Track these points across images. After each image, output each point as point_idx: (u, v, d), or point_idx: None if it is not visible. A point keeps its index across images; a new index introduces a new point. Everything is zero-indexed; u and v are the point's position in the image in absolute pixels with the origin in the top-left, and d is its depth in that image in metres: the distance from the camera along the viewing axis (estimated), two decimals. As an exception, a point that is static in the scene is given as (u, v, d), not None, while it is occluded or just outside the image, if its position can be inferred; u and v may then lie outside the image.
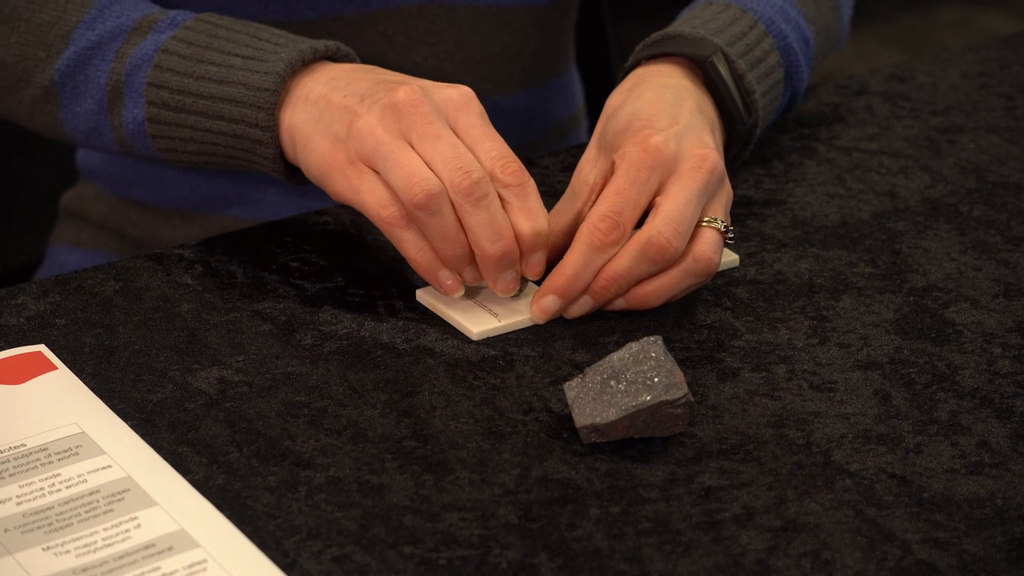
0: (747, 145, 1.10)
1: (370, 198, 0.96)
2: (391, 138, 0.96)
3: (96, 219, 1.29)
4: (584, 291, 0.97)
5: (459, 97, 0.98)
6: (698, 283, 0.98)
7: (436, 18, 1.22)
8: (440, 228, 0.95)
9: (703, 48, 1.06)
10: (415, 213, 0.94)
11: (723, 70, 1.06)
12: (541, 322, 0.98)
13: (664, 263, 0.96)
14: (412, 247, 0.96)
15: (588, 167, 1.02)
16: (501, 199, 0.96)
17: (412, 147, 0.96)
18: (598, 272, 0.97)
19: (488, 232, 0.94)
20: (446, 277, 0.97)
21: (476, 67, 1.24)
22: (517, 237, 0.96)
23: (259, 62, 1.03)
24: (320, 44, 1.04)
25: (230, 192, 1.24)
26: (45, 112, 1.12)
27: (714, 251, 0.97)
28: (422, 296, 1.00)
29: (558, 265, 0.97)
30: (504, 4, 1.24)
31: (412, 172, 0.94)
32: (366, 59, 1.18)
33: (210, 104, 1.04)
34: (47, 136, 1.16)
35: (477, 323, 0.97)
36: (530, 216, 0.96)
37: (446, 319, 0.98)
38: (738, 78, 1.07)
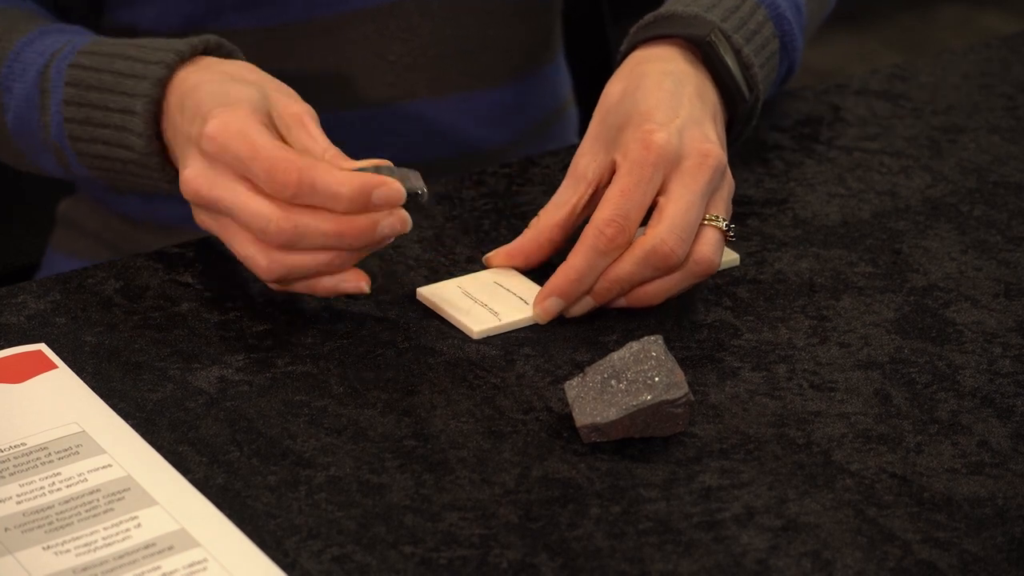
0: (750, 121, 1.09)
1: (250, 262, 0.95)
2: (215, 225, 0.96)
3: (92, 231, 1.29)
4: (587, 292, 0.97)
5: (209, 145, 0.94)
6: (699, 281, 0.98)
7: (409, 14, 1.21)
8: (318, 239, 0.93)
9: (699, 27, 1.05)
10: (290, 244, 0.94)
11: (722, 49, 1.05)
12: (543, 322, 0.98)
13: (667, 270, 0.96)
14: (305, 265, 0.95)
15: (585, 160, 1.01)
16: (304, 204, 0.93)
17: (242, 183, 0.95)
18: (601, 273, 0.97)
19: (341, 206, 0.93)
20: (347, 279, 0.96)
21: (453, 61, 1.23)
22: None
23: (129, 115, 1.02)
24: (162, 71, 1.02)
25: None
26: (28, 165, 1.14)
27: (714, 252, 0.97)
28: (422, 295, 1.00)
29: (561, 266, 0.97)
30: None
31: (244, 257, 0.94)
32: (341, 62, 1.17)
33: (123, 165, 1.05)
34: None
35: (478, 322, 0.97)
36: (336, 199, 0.92)
37: (446, 318, 0.98)
38: (736, 54, 1.06)
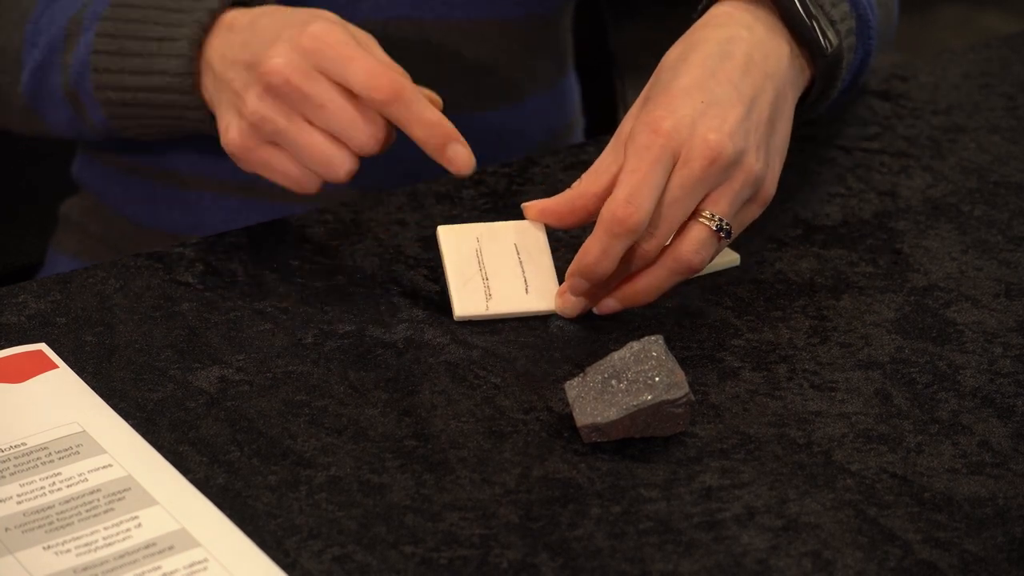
0: (833, 81, 1.04)
1: (285, 180, 1.03)
2: (286, 122, 1.01)
3: (94, 233, 1.29)
4: (608, 276, 0.95)
5: (311, 42, 1.01)
6: (685, 279, 0.97)
7: (404, 34, 1.20)
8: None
9: None
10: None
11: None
12: (576, 295, 0.97)
13: (629, 234, 0.93)
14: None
15: (630, 124, 0.98)
16: (390, 117, 1.00)
17: (308, 121, 1.01)
18: (623, 257, 0.94)
19: (426, 129, 1.00)
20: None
21: (451, 82, 1.22)
22: (423, 146, 1.00)
23: (170, 42, 1.07)
24: (215, 3, 1.07)
25: (228, 216, 1.24)
26: (35, 124, 1.17)
27: (695, 252, 0.95)
28: (440, 235, 0.99)
29: (582, 248, 0.95)
30: (475, 17, 1.22)
31: (325, 157, 1.01)
32: None
33: (147, 95, 1.09)
34: (52, 139, 1.20)
35: (463, 303, 0.97)
36: (420, 121, 0.99)
37: (445, 277, 0.98)
38: (816, 7, 1.02)
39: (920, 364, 0.95)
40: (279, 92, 1.00)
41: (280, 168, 1.03)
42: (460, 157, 1.00)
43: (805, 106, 1.05)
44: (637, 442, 0.88)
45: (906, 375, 0.94)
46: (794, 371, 0.94)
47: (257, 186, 1.22)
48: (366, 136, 1.00)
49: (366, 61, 0.99)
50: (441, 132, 1.00)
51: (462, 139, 1.00)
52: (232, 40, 1.05)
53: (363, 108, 1.00)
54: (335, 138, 1.01)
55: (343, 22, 1.03)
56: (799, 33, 1.02)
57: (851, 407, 0.91)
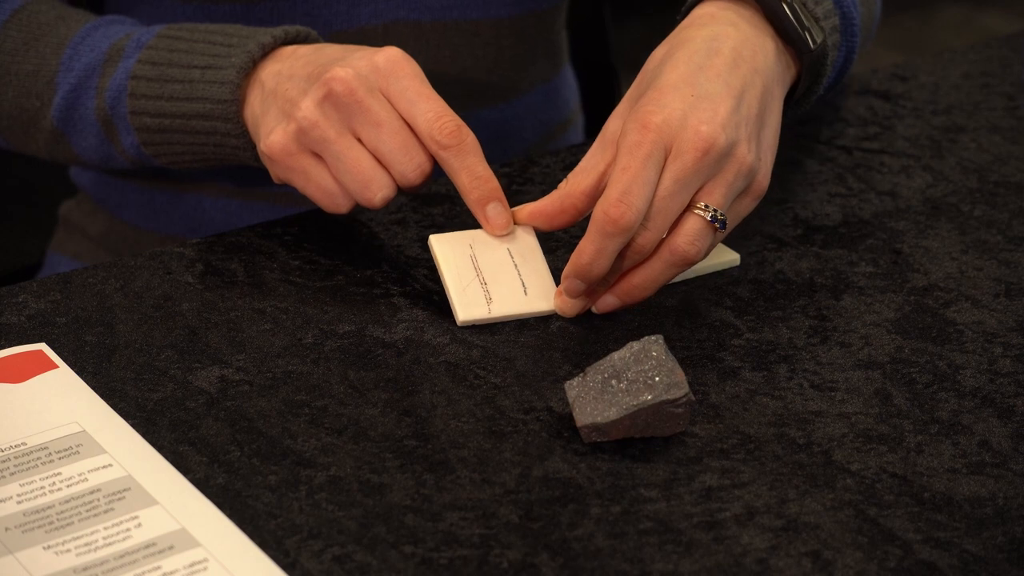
0: (819, 78, 1.05)
1: (318, 193, 1.01)
2: (336, 134, 1.00)
3: (95, 236, 1.29)
4: (604, 276, 0.95)
5: (385, 63, 1.00)
6: (682, 271, 0.97)
7: (402, 36, 1.20)
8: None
9: None
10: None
11: None
12: (572, 296, 0.97)
13: (622, 233, 0.93)
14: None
15: (615, 123, 0.98)
16: (442, 161, 0.99)
17: (358, 139, 1.00)
18: (617, 256, 0.94)
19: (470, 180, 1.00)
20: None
21: (451, 82, 1.22)
22: (464, 196, 0.99)
23: (215, 71, 1.06)
24: (268, 38, 1.06)
25: (227, 219, 1.23)
26: (61, 150, 1.16)
27: (690, 243, 0.95)
28: (432, 244, 0.99)
29: (576, 249, 0.95)
30: (472, 18, 1.22)
31: (366, 177, 0.99)
32: None
33: (185, 122, 1.08)
34: (75, 165, 1.20)
35: (466, 308, 0.97)
36: (470, 172, 0.99)
37: (441, 282, 0.98)
38: (800, 5, 1.02)
39: (920, 364, 0.95)
40: (338, 101, 0.99)
41: (317, 180, 1.01)
42: (499, 217, 0.99)
43: (791, 103, 1.06)
44: (637, 442, 0.88)
45: (906, 375, 0.94)
46: (794, 371, 0.94)
47: (257, 191, 1.22)
48: (413, 164, 0.99)
49: (437, 102, 0.99)
50: (487, 188, 0.99)
51: (504, 200, 1.00)
52: (294, 62, 1.04)
53: (416, 139, 0.99)
54: (379, 162, 1.00)
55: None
56: (784, 31, 1.02)
57: (851, 407, 0.92)
